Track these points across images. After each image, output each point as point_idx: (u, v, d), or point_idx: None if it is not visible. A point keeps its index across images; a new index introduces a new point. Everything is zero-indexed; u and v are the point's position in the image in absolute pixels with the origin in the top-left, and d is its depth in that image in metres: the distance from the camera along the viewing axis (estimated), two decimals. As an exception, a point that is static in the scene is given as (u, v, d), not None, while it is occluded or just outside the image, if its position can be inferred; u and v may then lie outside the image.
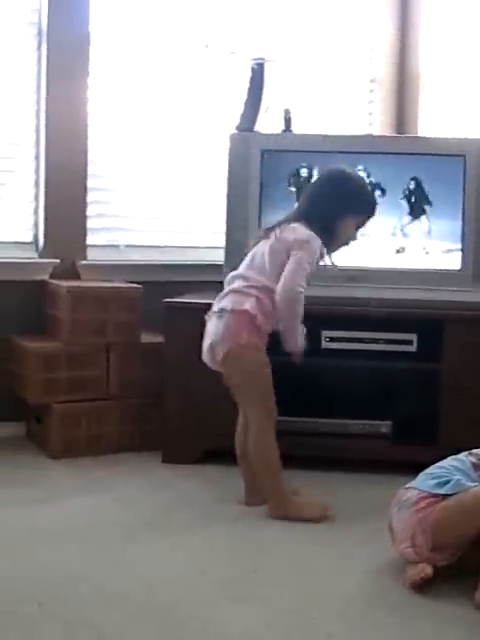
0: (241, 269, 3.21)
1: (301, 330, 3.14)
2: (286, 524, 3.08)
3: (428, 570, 2.57)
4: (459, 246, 3.70)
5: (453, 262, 3.71)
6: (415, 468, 3.28)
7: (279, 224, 3.20)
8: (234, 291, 3.17)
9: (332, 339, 3.68)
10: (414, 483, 2.73)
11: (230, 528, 3.05)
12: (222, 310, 3.14)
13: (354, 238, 3.27)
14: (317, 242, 3.13)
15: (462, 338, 3.60)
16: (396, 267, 3.74)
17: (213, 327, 3.16)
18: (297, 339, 3.13)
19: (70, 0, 4.10)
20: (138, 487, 3.44)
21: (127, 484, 3.47)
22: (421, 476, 2.75)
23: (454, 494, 2.60)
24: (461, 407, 3.60)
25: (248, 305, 3.10)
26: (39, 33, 4.07)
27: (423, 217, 3.74)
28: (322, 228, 3.15)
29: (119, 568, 2.69)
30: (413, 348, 3.67)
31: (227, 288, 3.21)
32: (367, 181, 3.62)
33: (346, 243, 3.27)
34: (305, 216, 3.18)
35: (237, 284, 3.17)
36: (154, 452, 3.75)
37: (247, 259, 3.21)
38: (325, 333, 3.65)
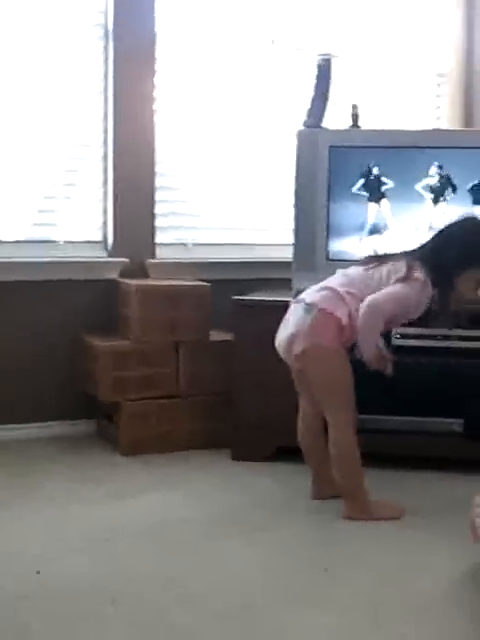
0: (348, 277, 3.14)
1: (375, 345, 3.07)
2: (359, 523, 3.06)
3: None
4: None
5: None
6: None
7: (398, 256, 3.13)
8: (331, 290, 3.11)
9: (403, 336, 3.64)
10: None
11: (302, 526, 3.05)
12: (311, 305, 3.09)
13: (476, 296, 3.17)
14: (428, 290, 3.06)
15: None
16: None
17: (298, 319, 3.11)
18: (366, 352, 3.07)
19: (136, 1, 4.12)
20: (209, 485, 3.45)
21: (198, 482, 3.48)
22: None
23: None
24: None
25: (340, 312, 3.05)
26: (106, 34, 4.10)
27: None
28: (439, 277, 3.07)
29: (192, 566, 2.69)
30: (486, 344, 3.63)
31: (325, 283, 3.15)
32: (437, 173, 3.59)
33: (468, 302, 3.18)
34: (425, 259, 3.09)
35: (337, 284, 3.12)
36: (224, 450, 3.76)
37: (357, 273, 3.15)
38: (395, 330, 3.62)
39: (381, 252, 3.22)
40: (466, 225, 3.17)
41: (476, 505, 2.66)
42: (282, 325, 3.17)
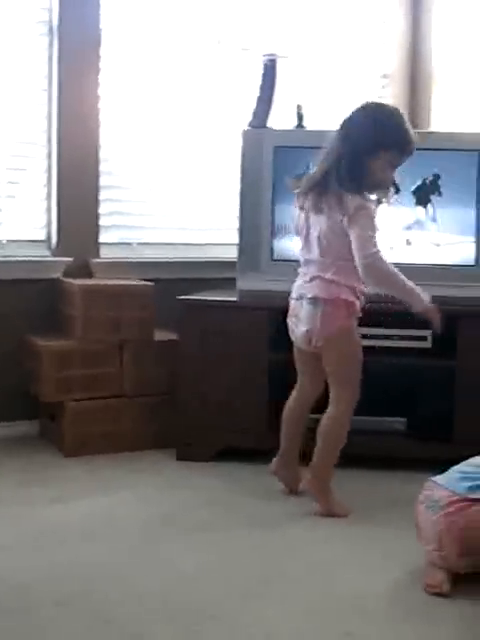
0: (314, 252, 3.14)
1: (413, 286, 3.09)
2: (305, 522, 3.09)
3: (446, 587, 2.52)
4: (472, 239, 3.68)
5: (467, 258, 3.69)
6: (430, 465, 3.29)
7: (316, 188, 3.10)
8: (322, 279, 3.13)
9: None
10: (444, 481, 2.66)
11: (247, 526, 3.05)
12: (315, 298, 3.12)
13: (390, 179, 3.15)
14: (371, 203, 3.09)
15: (477, 334, 3.59)
16: (410, 263, 3.72)
17: (307, 314, 3.14)
18: (416, 297, 3.09)
19: (81, -3, 4.10)
20: (154, 485, 3.44)
21: (142, 482, 3.47)
22: (453, 473, 2.68)
23: None
24: (476, 403, 3.59)
25: (344, 294, 3.10)
26: (50, 31, 4.06)
27: (429, 206, 3.71)
28: (351, 169, 3.05)
29: (136, 567, 2.69)
30: (428, 344, 3.66)
31: (312, 273, 3.16)
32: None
33: (383, 186, 3.15)
34: (338, 174, 3.06)
35: (321, 270, 3.13)
36: (169, 450, 3.75)
37: (312, 238, 3.14)
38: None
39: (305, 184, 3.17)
40: (360, 111, 3.15)
41: (420, 503, 2.68)
42: (291, 321, 3.22)
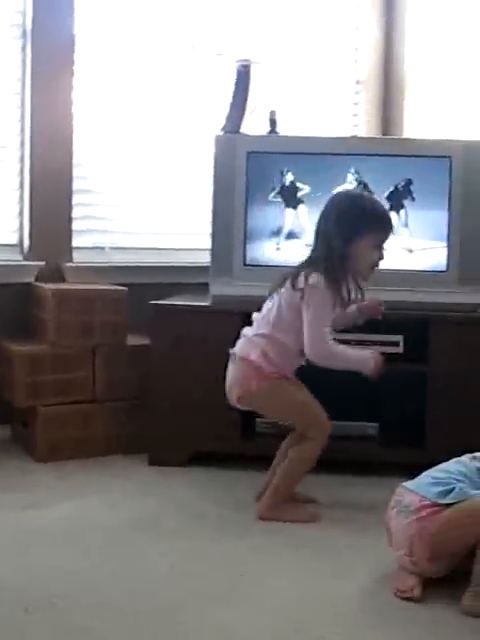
0: (257, 316, 3.21)
1: (357, 358, 3.14)
2: (275, 528, 3.08)
3: (417, 592, 2.52)
4: (443, 244, 3.70)
5: (438, 263, 3.71)
6: (402, 470, 3.30)
7: (296, 271, 3.13)
8: (244, 336, 3.21)
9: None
10: (415, 486, 2.65)
11: (218, 532, 3.05)
12: (234, 354, 3.19)
13: (379, 257, 3.18)
14: (326, 289, 3.07)
15: (448, 339, 3.61)
16: (381, 268, 3.73)
17: (230, 370, 3.21)
18: (361, 368, 3.13)
19: (55, 1, 4.07)
20: (125, 490, 3.43)
21: (114, 487, 3.46)
22: (424, 478, 2.68)
23: (457, 503, 2.53)
24: (448, 409, 3.61)
25: (253, 354, 3.14)
26: (23, 35, 4.05)
27: (402, 211, 3.73)
28: (335, 262, 3.08)
29: (106, 573, 2.67)
30: (399, 349, 3.67)
31: (244, 330, 3.24)
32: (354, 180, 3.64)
33: (372, 265, 3.19)
34: (314, 260, 3.12)
35: (249, 331, 3.21)
36: (141, 455, 3.74)
37: (266, 306, 3.19)
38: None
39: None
40: (332, 204, 3.16)
41: (390, 508, 2.69)
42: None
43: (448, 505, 2.54)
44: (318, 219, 3.19)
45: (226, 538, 2.99)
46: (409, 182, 3.72)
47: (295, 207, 3.73)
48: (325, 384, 3.60)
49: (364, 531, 3.02)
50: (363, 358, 3.14)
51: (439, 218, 3.70)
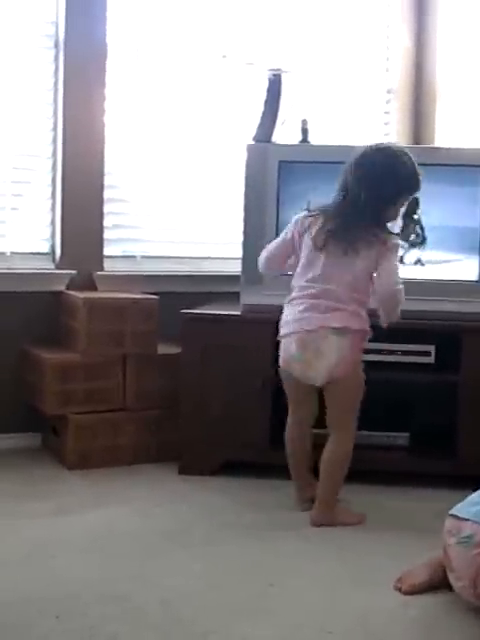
0: (334, 282, 3.15)
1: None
2: (305, 537, 3.08)
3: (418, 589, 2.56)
4: (476, 256, 3.68)
5: (471, 273, 3.69)
6: (433, 480, 3.28)
7: (346, 228, 3.13)
8: (344, 311, 3.14)
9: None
10: (472, 515, 2.51)
11: (248, 540, 3.04)
12: (344, 329, 3.12)
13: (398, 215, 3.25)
14: (398, 241, 3.18)
15: (480, 349, 3.59)
16: (413, 278, 3.72)
17: (334, 345, 3.12)
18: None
19: (87, 12, 4.10)
20: (155, 499, 3.43)
21: (144, 496, 3.46)
22: (478, 506, 2.53)
23: None
24: (479, 419, 3.58)
25: (365, 324, 3.17)
26: (56, 45, 4.08)
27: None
28: (374, 215, 3.14)
29: (136, 581, 2.68)
30: (431, 359, 3.66)
31: (327, 302, 3.15)
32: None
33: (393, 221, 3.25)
34: (368, 215, 3.13)
35: (342, 303, 3.14)
36: (171, 463, 3.74)
37: (331, 273, 3.15)
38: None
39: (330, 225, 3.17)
40: (387, 157, 3.17)
41: (448, 534, 2.57)
42: (303, 355, 3.16)
43: None
44: (358, 163, 3.18)
45: (256, 547, 2.98)
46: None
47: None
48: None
49: (395, 541, 3.01)
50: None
51: (472, 227, 3.68)
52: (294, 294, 3.21)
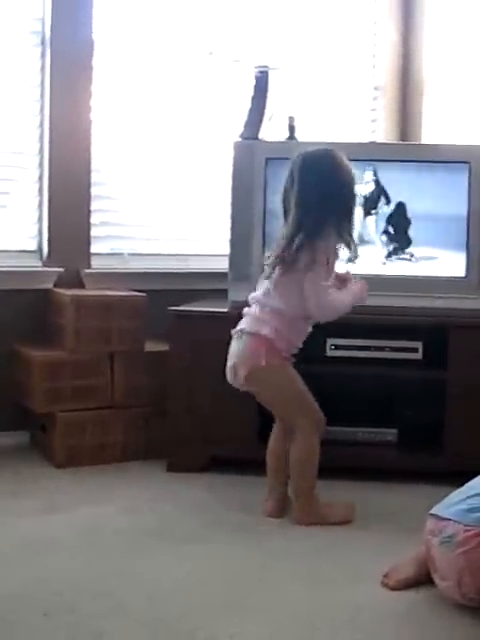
0: (261, 297, 3.17)
1: (353, 298, 3.18)
2: (292, 533, 3.08)
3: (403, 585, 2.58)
4: (462, 250, 3.69)
5: (458, 269, 3.69)
6: (421, 476, 3.28)
7: (286, 245, 3.10)
8: (251, 315, 3.18)
9: (337, 347, 3.67)
10: (452, 514, 2.51)
11: (236, 537, 3.04)
12: (241, 331, 3.17)
13: None
14: (323, 252, 3.08)
15: (468, 345, 3.59)
16: (401, 274, 3.73)
17: (235, 348, 3.18)
18: (359, 302, 3.19)
19: (73, 9, 4.09)
20: (143, 496, 3.43)
21: (132, 493, 3.46)
22: (458, 504, 2.53)
23: None
24: (467, 415, 3.59)
25: (265, 330, 3.12)
26: (42, 42, 4.07)
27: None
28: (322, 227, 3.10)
29: (125, 578, 2.67)
30: (419, 356, 3.67)
31: (246, 310, 3.22)
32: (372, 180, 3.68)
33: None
34: (302, 227, 3.09)
35: (254, 310, 3.18)
36: (159, 460, 3.74)
37: (265, 286, 3.17)
38: (330, 341, 3.65)
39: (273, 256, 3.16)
40: (316, 174, 3.11)
41: (430, 535, 2.57)
42: (228, 358, 3.22)
43: None
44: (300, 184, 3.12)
45: (244, 543, 2.98)
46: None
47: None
48: (345, 391, 3.62)
49: (383, 537, 3.01)
50: (355, 295, 3.18)
51: (458, 224, 3.69)
52: None
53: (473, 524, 2.45)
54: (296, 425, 3.20)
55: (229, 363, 3.20)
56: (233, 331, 3.20)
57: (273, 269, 3.14)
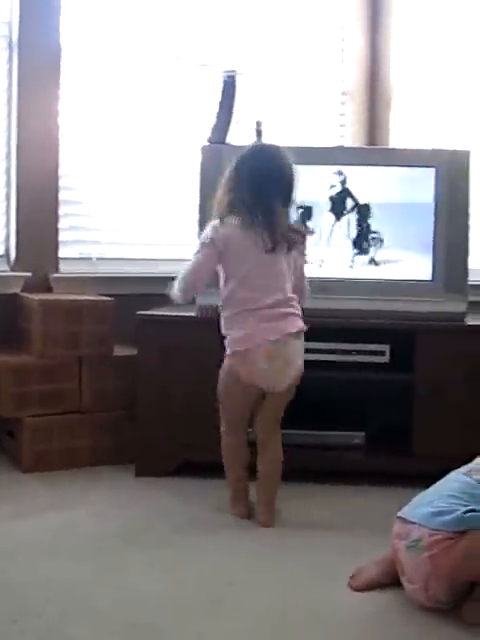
0: (280, 292, 3.15)
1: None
2: (263, 537, 3.09)
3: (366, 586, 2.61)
4: (429, 254, 3.71)
5: (424, 273, 3.72)
6: (389, 478, 3.30)
7: (270, 227, 3.11)
8: (293, 315, 3.16)
9: (305, 350, 3.67)
10: (419, 518, 2.51)
11: (206, 541, 3.05)
12: (301, 332, 3.17)
13: None
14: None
15: (434, 348, 3.62)
16: (368, 278, 3.75)
17: (296, 350, 3.15)
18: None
19: (41, 12, 4.08)
20: (112, 501, 3.42)
21: (101, 498, 3.46)
22: (424, 507, 2.54)
23: (469, 530, 2.41)
24: (434, 417, 3.62)
25: (302, 323, 3.19)
26: (10, 45, 4.06)
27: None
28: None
29: (94, 583, 2.67)
30: (386, 359, 3.69)
31: (281, 310, 3.14)
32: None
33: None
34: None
35: (290, 308, 3.16)
36: (128, 465, 3.74)
37: (272, 275, 3.14)
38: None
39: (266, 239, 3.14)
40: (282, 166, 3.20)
41: (397, 538, 2.58)
42: (278, 365, 3.13)
43: (460, 533, 2.42)
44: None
45: (214, 547, 2.99)
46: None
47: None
48: (313, 394, 3.62)
49: (352, 539, 3.02)
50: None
51: (425, 227, 3.71)
52: None
53: (439, 528, 2.46)
54: (277, 434, 3.24)
55: (291, 370, 3.15)
56: (276, 336, 3.11)
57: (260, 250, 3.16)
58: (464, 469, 2.65)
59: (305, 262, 3.26)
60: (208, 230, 3.17)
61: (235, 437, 3.27)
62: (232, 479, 3.31)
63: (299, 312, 3.18)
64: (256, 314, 3.12)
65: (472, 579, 2.43)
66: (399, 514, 2.62)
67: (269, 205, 3.11)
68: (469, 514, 2.44)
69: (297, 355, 3.16)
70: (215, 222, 3.16)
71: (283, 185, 3.17)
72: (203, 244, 3.17)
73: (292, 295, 3.17)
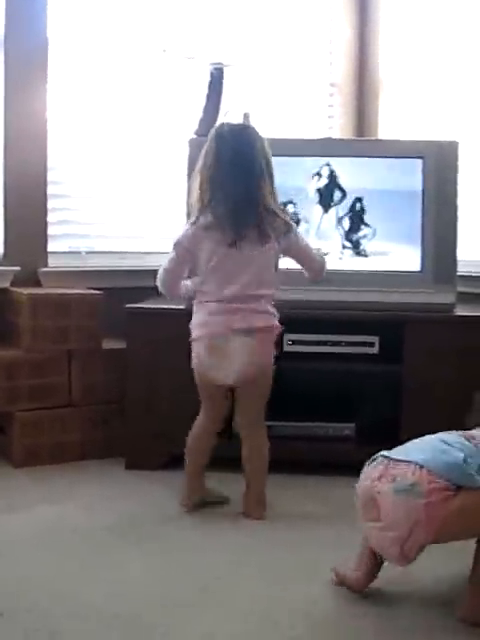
0: (239, 287, 3.10)
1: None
2: (252, 530, 3.09)
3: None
4: (417, 245, 3.72)
5: (413, 264, 3.72)
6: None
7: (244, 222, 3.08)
8: (257, 311, 3.12)
9: (294, 342, 3.68)
10: (417, 458, 2.39)
11: (193, 534, 3.05)
12: (250, 330, 3.10)
13: None
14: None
15: (423, 339, 3.62)
16: (356, 269, 3.75)
17: (244, 347, 3.09)
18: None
19: (28, 7, 4.06)
20: (102, 495, 3.42)
21: (91, 492, 3.46)
22: (435, 453, 2.40)
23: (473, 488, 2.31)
24: (423, 408, 3.62)
25: (275, 321, 3.16)
26: (-4, 40, 4.05)
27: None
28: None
29: (83, 576, 2.67)
30: (375, 350, 3.69)
31: (234, 305, 3.10)
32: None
33: None
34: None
35: (248, 304, 3.11)
36: (118, 459, 3.74)
37: (248, 272, 3.11)
38: (287, 336, 3.65)
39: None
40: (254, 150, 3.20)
41: (378, 481, 2.46)
42: (215, 359, 3.13)
43: (464, 488, 2.32)
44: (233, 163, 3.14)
45: (201, 541, 2.99)
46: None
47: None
48: (302, 386, 3.63)
49: (341, 531, 3.02)
50: None
51: (413, 218, 3.72)
52: None
53: (443, 473, 2.33)
54: (259, 427, 3.22)
55: (235, 366, 3.11)
56: (224, 331, 3.11)
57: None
58: (460, 433, 2.55)
59: (304, 244, 3.24)
60: (180, 233, 3.18)
61: (204, 421, 3.27)
62: (187, 467, 3.30)
63: (265, 308, 3.13)
64: (206, 306, 3.14)
65: (455, 536, 2.37)
66: (384, 454, 2.50)
67: (237, 196, 3.08)
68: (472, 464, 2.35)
69: (244, 353, 3.09)
70: (186, 225, 3.19)
71: (253, 172, 3.13)
72: (175, 245, 3.19)
73: (261, 292, 3.11)
